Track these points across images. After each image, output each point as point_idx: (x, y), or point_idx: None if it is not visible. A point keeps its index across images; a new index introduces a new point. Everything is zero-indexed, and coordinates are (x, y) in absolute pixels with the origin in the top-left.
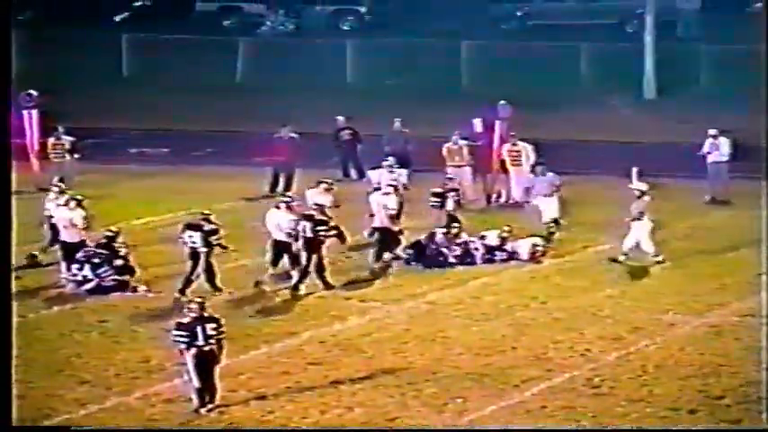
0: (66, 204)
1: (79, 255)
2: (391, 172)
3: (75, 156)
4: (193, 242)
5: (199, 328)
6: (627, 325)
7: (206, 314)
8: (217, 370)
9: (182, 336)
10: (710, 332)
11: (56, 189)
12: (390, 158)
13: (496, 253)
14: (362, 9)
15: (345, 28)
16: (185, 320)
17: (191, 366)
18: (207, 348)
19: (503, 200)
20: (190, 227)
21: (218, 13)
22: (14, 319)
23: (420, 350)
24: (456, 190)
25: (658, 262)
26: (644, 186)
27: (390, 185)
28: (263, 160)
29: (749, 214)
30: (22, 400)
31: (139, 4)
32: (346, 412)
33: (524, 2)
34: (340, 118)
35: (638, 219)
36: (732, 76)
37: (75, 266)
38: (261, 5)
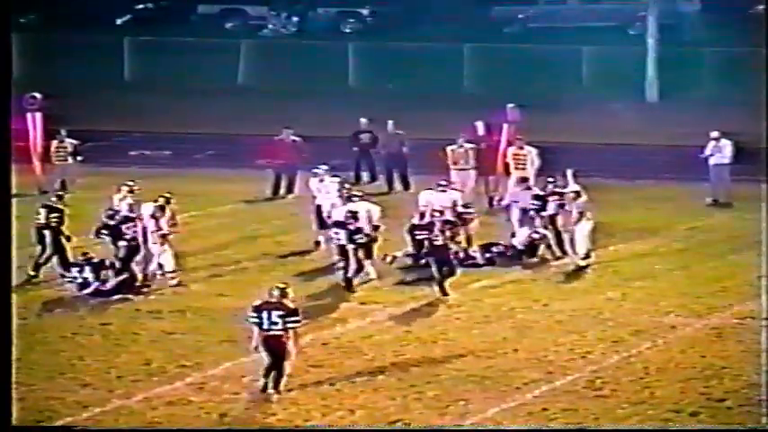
0: (154, 202)
1: (80, 258)
2: (321, 181)
3: (78, 158)
4: (339, 239)
5: (264, 314)
6: (628, 327)
7: (283, 302)
8: (287, 356)
9: (253, 317)
10: (712, 334)
11: (125, 188)
12: (323, 166)
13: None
14: (364, 11)
15: (347, 30)
16: (258, 303)
17: (259, 346)
18: (271, 333)
19: (504, 203)
20: (336, 224)
21: (220, 16)
22: (16, 322)
23: (421, 352)
24: (561, 194)
25: (581, 267)
26: (577, 187)
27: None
28: (264, 163)
29: (751, 216)
30: (24, 402)
31: (141, 7)
32: (348, 414)
33: (526, 5)
34: (363, 120)
35: (579, 220)
36: (734, 78)
37: (75, 269)
38: (263, 8)
